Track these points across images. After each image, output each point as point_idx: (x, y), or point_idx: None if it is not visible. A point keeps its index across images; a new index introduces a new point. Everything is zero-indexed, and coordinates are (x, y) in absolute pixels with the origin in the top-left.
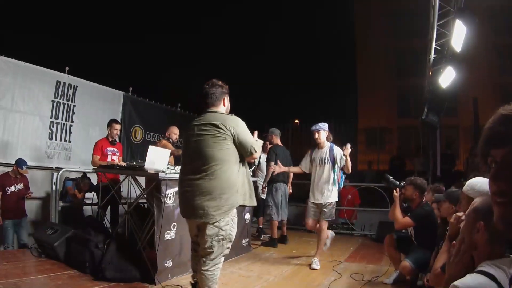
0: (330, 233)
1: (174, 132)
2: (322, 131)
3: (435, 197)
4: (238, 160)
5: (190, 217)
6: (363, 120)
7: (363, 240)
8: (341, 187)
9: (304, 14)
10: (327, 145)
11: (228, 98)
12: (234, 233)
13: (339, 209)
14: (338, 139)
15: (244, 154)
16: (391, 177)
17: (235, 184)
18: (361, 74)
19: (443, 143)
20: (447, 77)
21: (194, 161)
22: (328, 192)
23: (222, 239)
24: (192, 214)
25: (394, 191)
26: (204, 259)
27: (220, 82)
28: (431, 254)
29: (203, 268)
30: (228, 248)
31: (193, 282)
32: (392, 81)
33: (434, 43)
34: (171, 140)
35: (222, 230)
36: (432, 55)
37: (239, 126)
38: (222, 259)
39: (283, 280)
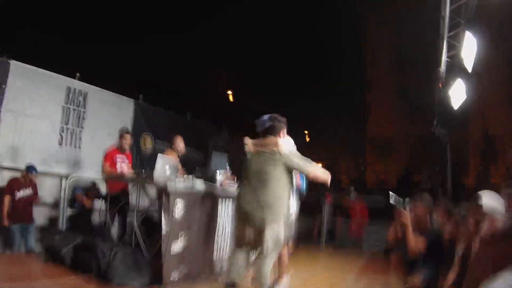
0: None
1: (178, 142)
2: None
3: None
4: (287, 180)
5: (250, 224)
6: (372, 131)
7: (372, 254)
8: (304, 191)
9: (310, 23)
10: None
11: (285, 131)
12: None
13: (348, 224)
14: (346, 150)
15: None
16: (396, 196)
17: (284, 197)
18: (371, 84)
19: (451, 156)
20: (457, 90)
21: (253, 178)
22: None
23: (277, 239)
24: (253, 221)
25: (402, 213)
26: (262, 258)
27: (279, 117)
28: (437, 269)
29: (262, 265)
30: (279, 246)
31: (229, 282)
32: (403, 91)
33: (444, 55)
34: (179, 149)
35: (278, 232)
36: (443, 67)
37: (291, 154)
38: (276, 256)
39: None
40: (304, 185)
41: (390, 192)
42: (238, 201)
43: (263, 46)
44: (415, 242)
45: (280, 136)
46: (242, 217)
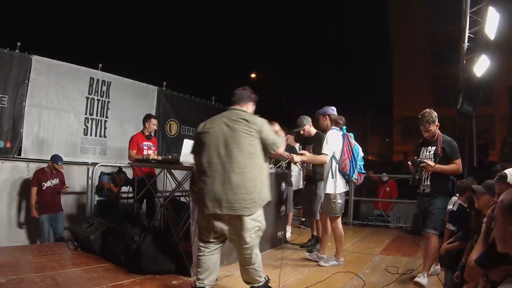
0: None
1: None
2: (321, 116)
3: (474, 188)
4: (265, 156)
5: (223, 211)
6: (399, 110)
7: (398, 232)
8: (351, 176)
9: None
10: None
11: (253, 107)
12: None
13: (374, 201)
14: (374, 130)
15: (267, 152)
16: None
17: (266, 178)
18: (396, 63)
19: (477, 132)
20: (482, 66)
21: (224, 154)
22: (325, 183)
23: (258, 230)
24: (226, 208)
25: (423, 166)
26: (247, 255)
27: (250, 91)
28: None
29: (249, 265)
30: (261, 235)
31: (196, 286)
32: (428, 69)
33: (467, 31)
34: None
35: (258, 222)
36: (466, 43)
37: (263, 125)
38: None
39: (318, 272)
40: (351, 170)
41: (413, 159)
42: (202, 181)
43: (290, 32)
44: (452, 166)
45: (247, 108)
46: (211, 202)
